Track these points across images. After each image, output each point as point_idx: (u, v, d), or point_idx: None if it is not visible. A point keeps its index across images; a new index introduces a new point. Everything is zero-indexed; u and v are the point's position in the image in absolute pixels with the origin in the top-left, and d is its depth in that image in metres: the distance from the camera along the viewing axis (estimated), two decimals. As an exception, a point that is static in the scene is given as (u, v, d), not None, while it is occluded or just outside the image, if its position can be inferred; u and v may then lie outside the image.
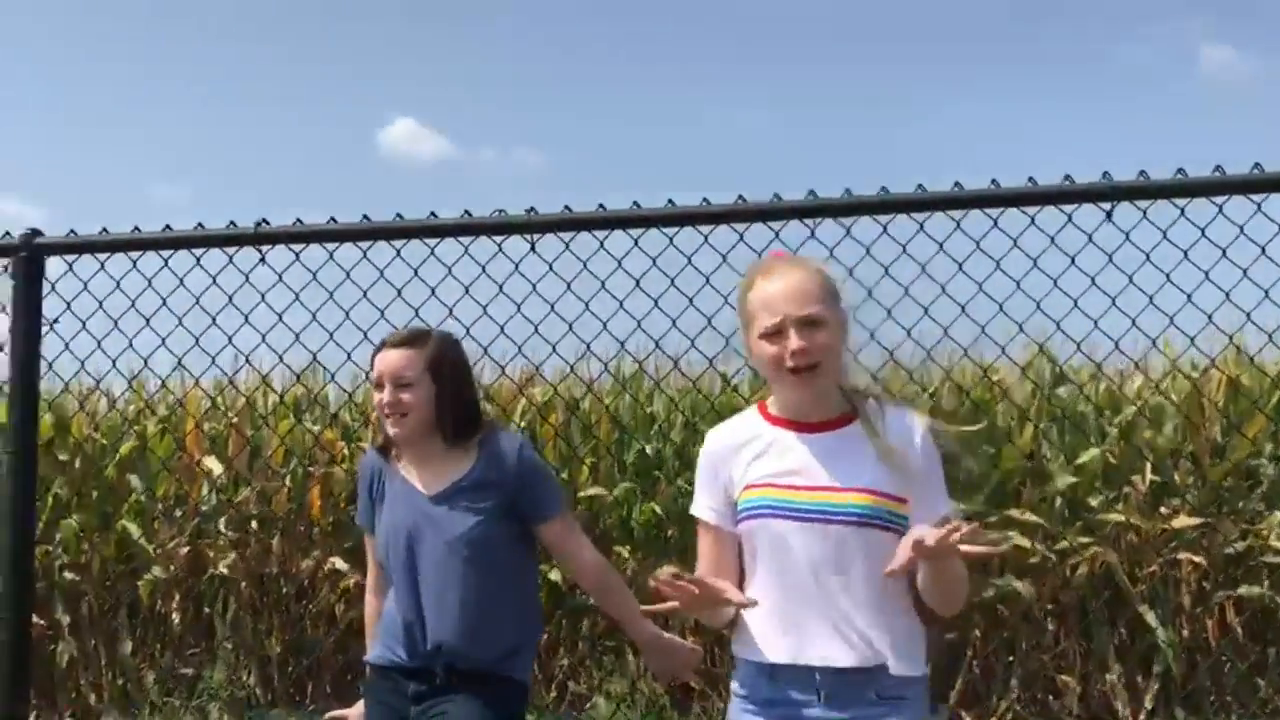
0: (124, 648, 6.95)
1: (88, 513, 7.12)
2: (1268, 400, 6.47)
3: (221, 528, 7.05)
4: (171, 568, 6.98)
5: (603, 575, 2.76)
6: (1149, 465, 6.35)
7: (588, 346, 3.61)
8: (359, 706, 2.85)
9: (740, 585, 2.27)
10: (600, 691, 6.24)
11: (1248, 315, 2.98)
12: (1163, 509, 6.30)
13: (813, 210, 3.13)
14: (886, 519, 2.17)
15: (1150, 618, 6.13)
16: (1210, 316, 3.04)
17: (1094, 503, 6.36)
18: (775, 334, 2.19)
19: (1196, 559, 6.22)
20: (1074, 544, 6.21)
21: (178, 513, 7.13)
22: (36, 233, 3.45)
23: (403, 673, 2.66)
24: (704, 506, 2.32)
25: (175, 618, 7.01)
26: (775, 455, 2.24)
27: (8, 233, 3.47)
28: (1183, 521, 6.16)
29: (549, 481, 2.76)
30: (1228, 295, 2.99)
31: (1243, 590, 6.21)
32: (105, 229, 3.49)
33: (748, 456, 2.26)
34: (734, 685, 2.27)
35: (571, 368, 3.68)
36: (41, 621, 6.87)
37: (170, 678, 6.84)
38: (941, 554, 2.01)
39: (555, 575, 6.20)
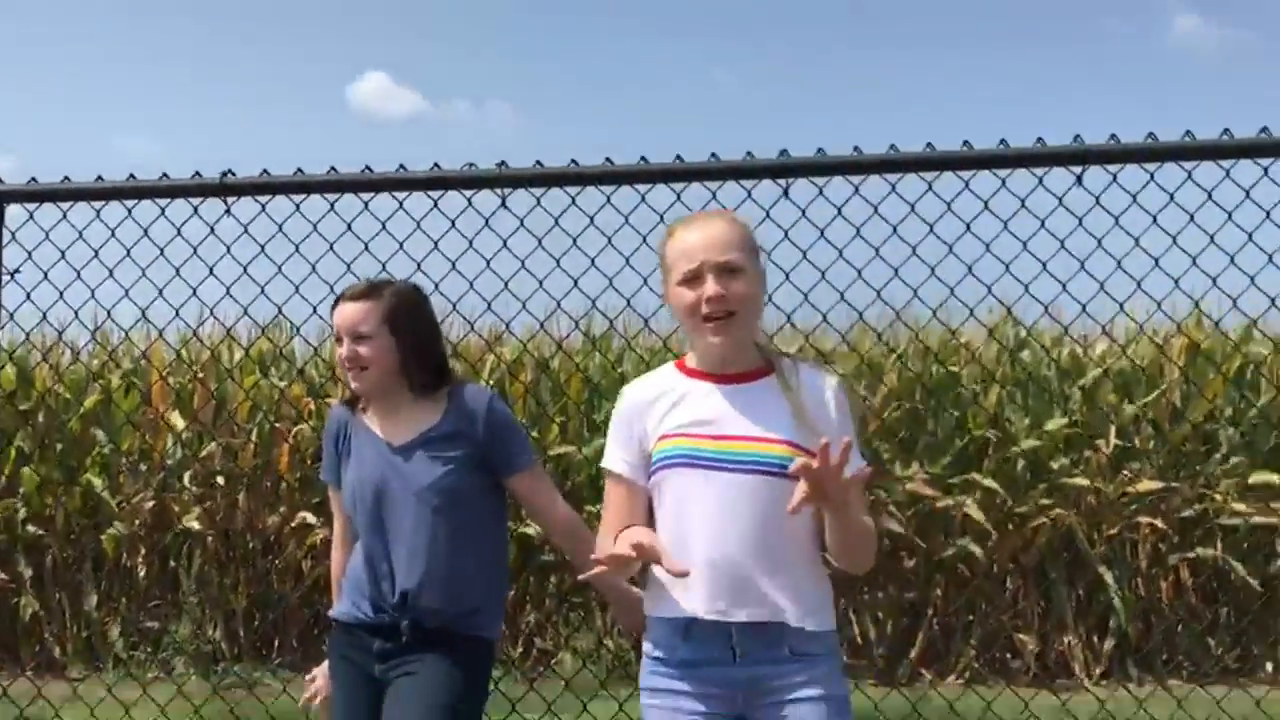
0: (88, 601, 6.92)
1: (51, 466, 7.06)
2: (1229, 365, 6.56)
3: (187, 483, 7.01)
4: (136, 522, 6.95)
5: (574, 528, 2.76)
6: (1112, 429, 6.44)
7: (558, 304, 3.60)
8: (320, 669, 2.84)
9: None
10: (567, 648, 6.29)
11: (1213, 280, 3.01)
12: (1124, 472, 6.39)
13: (786, 170, 3.12)
14: (785, 467, 2.15)
15: (1108, 579, 6.23)
16: (1177, 281, 3.07)
17: (1056, 466, 6.44)
18: (693, 280, 2.20)
19: (1154, 522, 6.33)
20: (1036, 506, 6.30)
21: (143, 467, 7.08)
22: (-3, 180, 3.39)
23: (368, 629, 2.62)
24: (617, 459, 2.29)
25: (140, 572, 6.98)
26: (690, 406, 2.24)
27: (-35, 180, 3.41)
28: (1144, 486, 6.26)
29: (519, 434, 2.74)
30: (1194, 260, 3.02)
31: (1197, 552, 6.34)
32: (68, 178, 3.43)
33: (663, 409, 2.26)
34: (647, 647, 2.25)
35: (542, 325, 3.67)
36: (3, 575, 6.83)
37: (135, 631, 6.82)
38: (829, 480, 1.98)
39: (527, 529, 6.21)
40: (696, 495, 2.16)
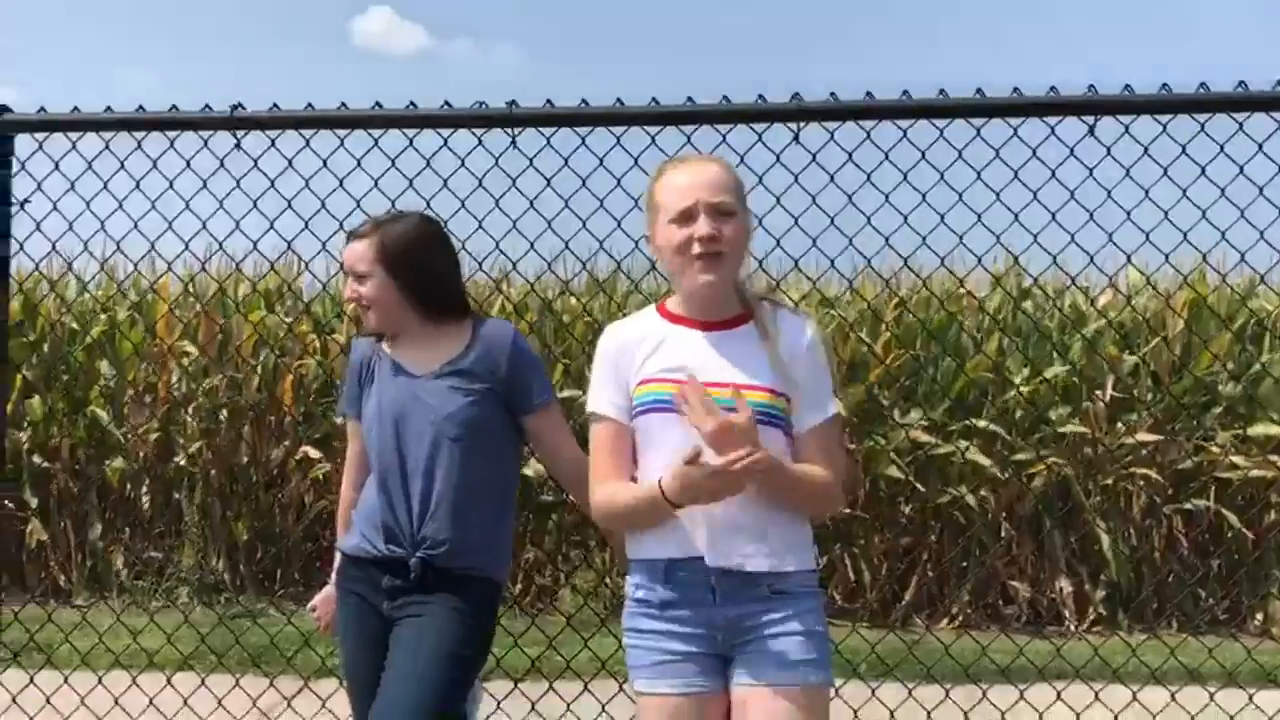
0: (93, 531, 7.00)
1: (56, 396, 7.10)
2: (1233, 320, 6.57)
3: (191, 415, 7.05)
4: (140, 454, 7.00)
5: (582, 472, 2.78)
6: (1110, 380, 6.47)
7: (566, 245, 3.60)
8: (328, 590, 2.87)
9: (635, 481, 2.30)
10: (566, 585, 6.37)
11: (1222, 234, 3.02)
12: (1120, 424, 6.43)
13: (798, 114, 3.11)
14: (778, 417, 2.21)
15: (1102, 529, 6.30)
16: (1185, 234, 3.07)
17: (1054, 415, 6.48)
18: (685, 218, 2.21)
19: (1150, 473, 6.39)
20: (1035, 455, 6.34)
21: (147, 399, 7.12)
22: (5, 109, 3.38)
23: (379, 565, 2.62)
24: (604, 401, 2.30)
25: (144, 503, 7.05)
26: (671, 351, 2.25)
27: (-25, 108, 3.39)
28: (1142, 437, 6.30)
29: (540, 371, 2.74)
30: (1204, 213, 3.02)
31: (1192, 504, 6.40)
32: (77, 108, 3.41)
33: (645, 352, 2.27)
34: (629, 589, 2.28)
35: (549, 265, 3.67)
36: (9, 504, 6.89)
37: (139, 561, 6.91)
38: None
39: (528, 470, 6.26)
40: (675, 441, 2.18)
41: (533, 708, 3.61)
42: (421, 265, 2.69)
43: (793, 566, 2.20)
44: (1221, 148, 3.02)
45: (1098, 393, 6.46)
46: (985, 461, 6.31)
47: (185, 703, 3.69)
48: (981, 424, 6.41)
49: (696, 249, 2.19)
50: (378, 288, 2.66)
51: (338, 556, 2.82)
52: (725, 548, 2.17)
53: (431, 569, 2.57)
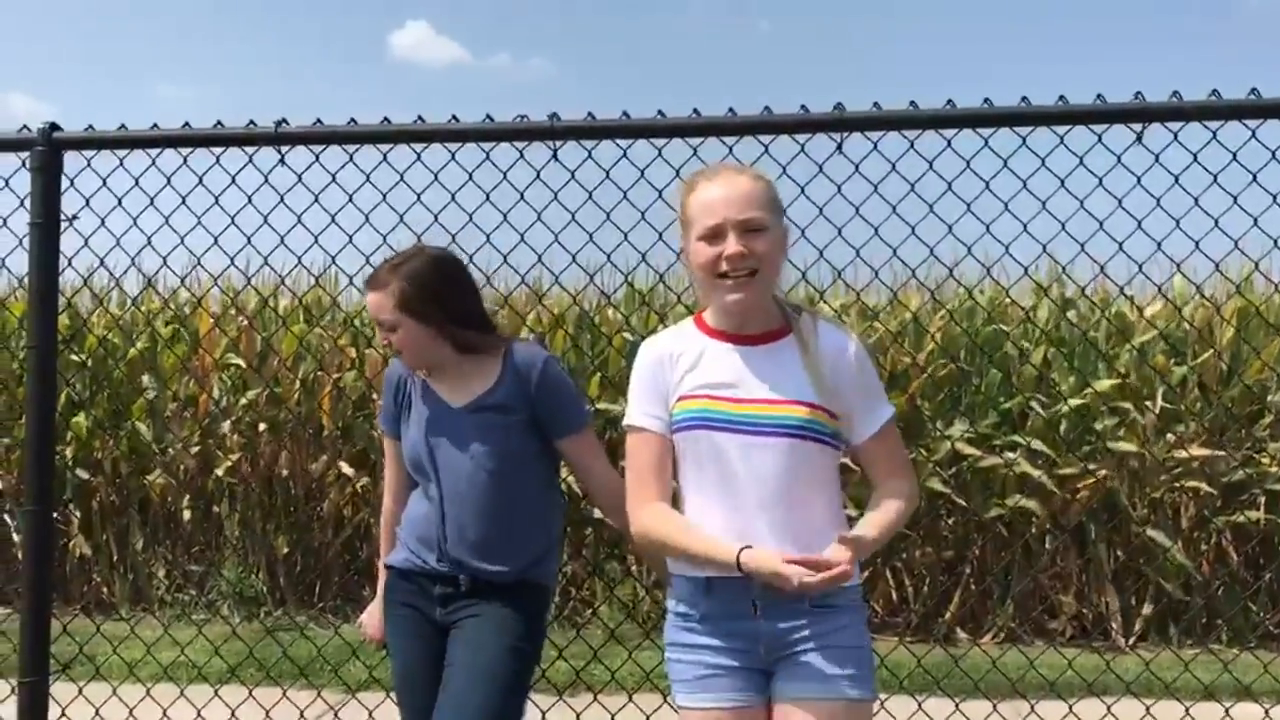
0: (135, 544, 7.07)
1: (100, 411, 7.18)
2: (1284, 329, 6.47)
3: (229, 429, 7.11)
4: (181, 467, 7.07)
5: (618, 492, 2.78)
6: (1160, 392, 6.38)
7: (608, 257, 3.60)
8: (375, 604, 2.89)
9: (674, 496, 2.29)
10: (605, 598, 6.36)
11: (1275, 241, 2.96)
12: (1169, 435, 6.34)
13: (839, 124, 3.09)
14: (819, 432, 2.18)
15: (1156, 540, 6.20)
16: (1236, 242, 3.02)
17: (1100, 427, 6.40)
18: (713, 237, 2.18)
19: (1199, 485, 6.29)
20: (1081, 469, 6.26)
21: (188, 413, 7.19)
22: (55, 127, 3.42)
23: (429, 577, 2.68)
24: (644, 415, 2.28)
25: (185, 516, 7.11)
26: (709, 366, 2.23)
27: (25, 127, 3.44)
28: (1193, 452, 6.20)
29: (571, 396, 2.75)
30: (1256, 221, 2.98)
31: (1241, 517, 6.29)
32: (124, 125, 3.46)
33: (684, 367, 2.25)
34: (670, 604, 2.27)
35: (591, 278, 3.67)
36: (56, 516, 6.98)
37: (180, 574, 6.97)
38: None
39: (568, 478, 6.26)
40: (716, 457, 2.17)
41: (577, 719, 3.60)
42: (445, 304, 2.69)
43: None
44: (1274, 154, 2.97)
45: (1147, 403, 6.37)
46: (1032, 473, 6.24)
47: (233, 714, 3.70)
48: (1026, 438, 6.33)
49: (725, 268, 2.17)
50: (408, 334, 2.67)
51: (383, 571, 2.85)
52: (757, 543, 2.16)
53: (481, 582, 2.63)
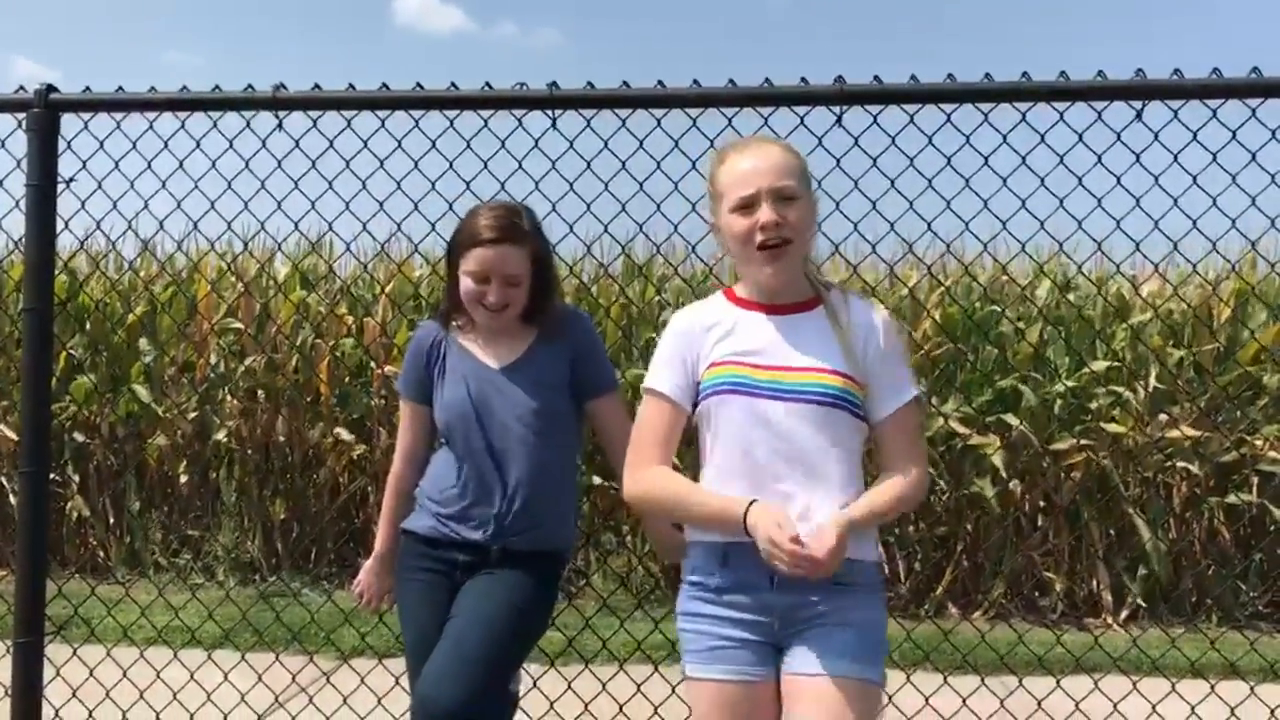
0: (131, 508, 7.09)
1: (98, 374, 7.19)
2: (1280, 310, 6.48)
3: (229, 395, 7.12)
4: (179, 432, 7.08)
5: None
6: (1153, 372, 6.39)
7: (605, 228, 3.59)
8: (370, 567, 2.90)
9: (693, 470, 2.29)
10: (600, 568, 6.39)
11: (1273, 222, 2.96)
12: (1162, 416, 6.36)
13: (842, 97, 3.08)
14: (851, 403, 2.19)
15: (1140, 522, 6.23)
16: (1234, 221, 3.02)
17: (1094, 407, 6.41)
18: (747, 207, 2.19)
19: (1190, 466, 6.31)
20: (1075, 446, 6.28)
21: (185, 378, 7.20)
22: (52, 89, 3.41)
23: (456, 546, 2.66)
24: (664, 380, 2.30)
25: (182, 480, 7.13)
26: (741, 335, 2.24)
27: (21, 87, 3.43)
28: (1181, 432, 6.22)
29: (605, 355, 2.79)
30: (1254, 200, 2.97)
31: (1232, 498, 6.32)
32: (121, 88, 3.44)
33: (715, 337, 2.26)
34: (685, 573, 2.27)
35: (589, 249, 3.67)
36: (56, 478, 7.00)
37: (176, 539, 7.00)
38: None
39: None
40: (744, 423, 2.17)
41: (569, 687, 3.63)
42: (554, 268, 2.74)
43: (855, 555, 2.16)
44: (1274, 134, 2.97)
45: (1139, 384, 6.38)
46: (1015, 456, 6.26)
47: (226, 678, 3.73)
48: (1020, 416, 6.35)
49: (760, 237, 2.17)
50: (524, 292, 2.66)
51: (383, 535, 2.85)
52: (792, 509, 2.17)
53: (511, 552, 2.64)
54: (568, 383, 2.68)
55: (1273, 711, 3.40)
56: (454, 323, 2.78)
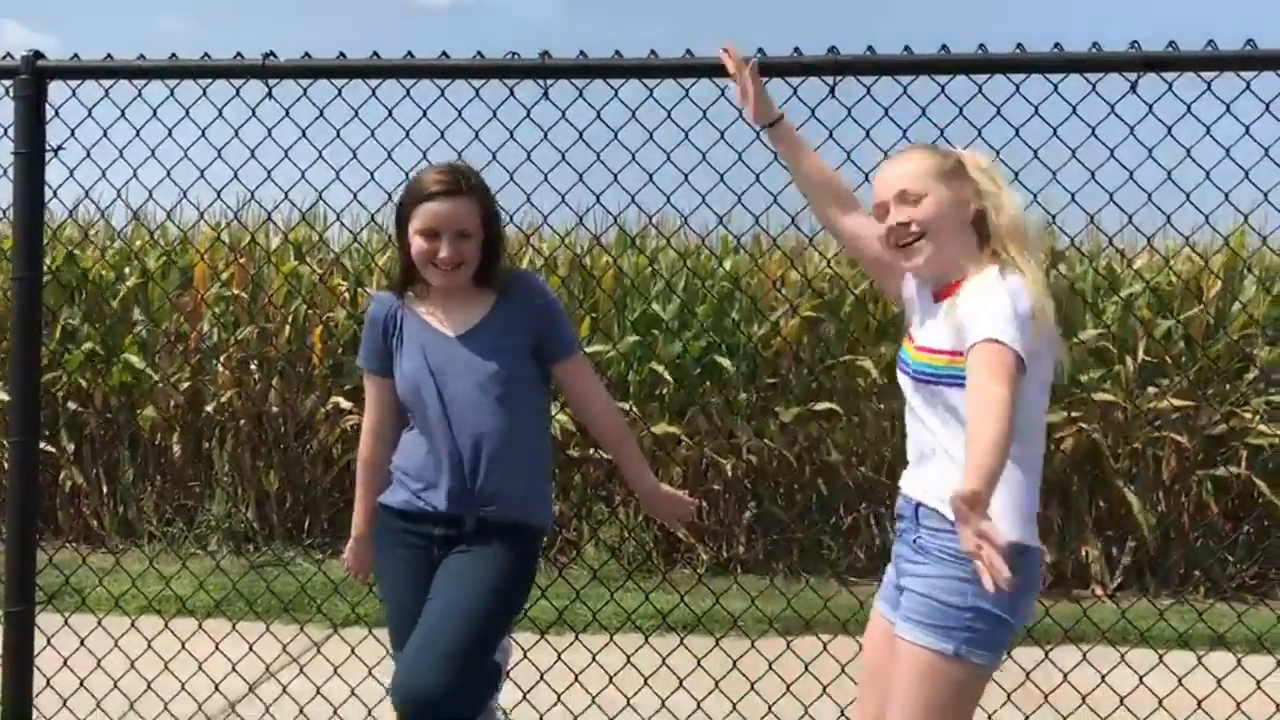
0: (125, 478, 7.09)
1: (91, 344, 7.17)
2: (1272, 284, 6.48)
3: (222, 365, 7.11)
4: (172, 403, 7.07)
5: (615, 418, 2.79)
6: (1142, 345, 6.40)
7: (597, 198, 3.57)
8: (351, 553, 2.90)
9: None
10: (591, 539, 6.41)
11: (1265, 195, 2.96)
12: (1151, 388, 6.38)
13: (835, 67, 3.07)
14: (937, 375, 2.30)
15: (1130, 494, 6.26)
16: (1227, 195, 3.02)
17: (1084, 379, 6.42)
18: (883, 213, 2.42)
19: (1180, 438, 6.33)
20: (1065, 418, 6.29)
21: (179, 348, 7.18)
22: (39, 55, 3.38)
23: (430, 519, 2.66)
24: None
25: (175, 450, 7.13)
26: (913, 315, 2.49)
27: (9, 54, 3.40)
28: (1171, 403, 6.24)
29: (567, 319, 2.77)
30: (1247, 174, 2.97)
31: (1220, 471, 6.35)
32: (110, 55, 3.41)
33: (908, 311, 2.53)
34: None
35: (580, 219, 3.66)
36: (51, 449, 6.99)
37: (170, 509, 7.00)
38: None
39: (554, 424, 6.29)
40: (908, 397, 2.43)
41: (559, 658, 3.64)
42: (500, 226, 2.71)
43: (933, 523, 2.26)
44: (1268, 106, 2.96)
45: (1128, 357, 6.39)
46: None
47: (217, 647, 3.74)
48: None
49: (891, 239, 2.40)
50: (477, 246, 2.64)
51: (360, 509, 2.84)
52: (906, 484, 2.41)
53: (485, 523, 2.62)
54: (529, 347, 2.66)
55: (1259, 683, 3.44)
56: (409, 293, 2.75)
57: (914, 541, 2.31)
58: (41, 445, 3.83)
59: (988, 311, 2.20)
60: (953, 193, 2.37)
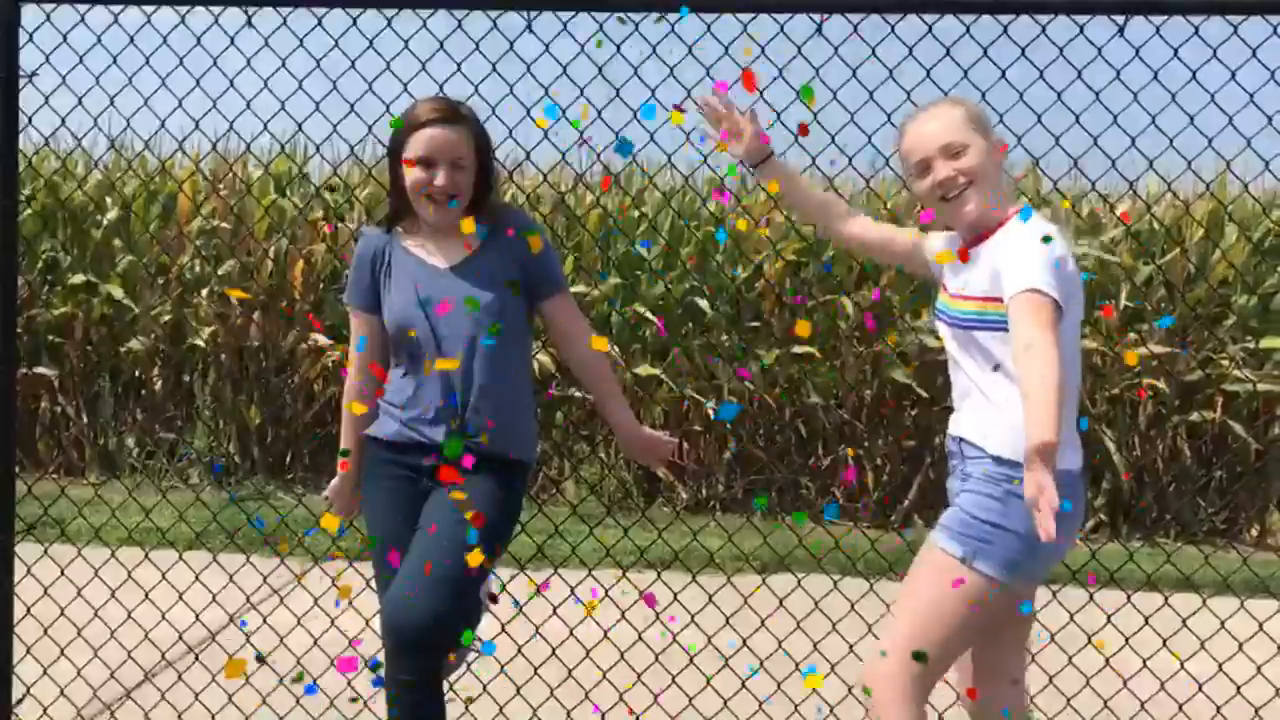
0: (106, 410, 7.08)
1: (74, 275, 7.11)
2: (1253, 230, 6.51)
3: (203, 298, 7.08)
4: (153, 335, 7.04)
5: (597, 356, 2.80)
6: (1124, 291, 6.44)
7: (581, 135, 3.54)
8: (335, 493, 2.90)
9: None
10: (572, 476, 6.46)
11: (1248, 141, 2.96)
12: (1131, 333, 6.42)
13: (822, 5, 3.03)
14: (994, 323, 2.35)
15: (1107, 438, 6.33)
16: (1210, 140, 3.02)
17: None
18: (924, 170, 2.48)
19: (1157, 384, 6.39)
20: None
21: (160, 281, 7.14)
22: (12, -22, 3.31)
23: (423, 449, 2.66)
24: None
25: (157, 384, 7.11)
26: (944, 269, 2.56)
27: (-20, -23, 3.33)
28: (1150, 350, 6.29)
29: (555, 254, 2.77)
30: (1231, 120, 2.97)
31: (1195, 416, 6.42)
32: (84, -22, 3.35)
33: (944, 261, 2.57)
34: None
35: (563, 155, 3.63)
36: (40, 373, 6.96)
37: (151, 441, 7.00)
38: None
39: (536, 363, 6.30)
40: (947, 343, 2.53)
41: (537, 591, 3.68)
42: (492, 155, 2.70)
43: (975, 452, 2.41)
44: (1254, 52, 2.95)
45: (1109, 303, 6.43)
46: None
47: (197, 578, 3.77)
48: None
49: (940, 193, 2.45)
50: (469, 177, 2.63)
51: (346, 444, 2.84)
52: (955, 422, 2.53)
53: (474, 453, 2.60)
54: (518, 281, 2.67)
55: (1223, 623, 3.50)
56: (398, 228, 2.74)
57: (960, 471, 2.47)
58: (25, 371, 3.80)
59: (1025, 260, 2.28)
60: (986, 140, 2.48)
